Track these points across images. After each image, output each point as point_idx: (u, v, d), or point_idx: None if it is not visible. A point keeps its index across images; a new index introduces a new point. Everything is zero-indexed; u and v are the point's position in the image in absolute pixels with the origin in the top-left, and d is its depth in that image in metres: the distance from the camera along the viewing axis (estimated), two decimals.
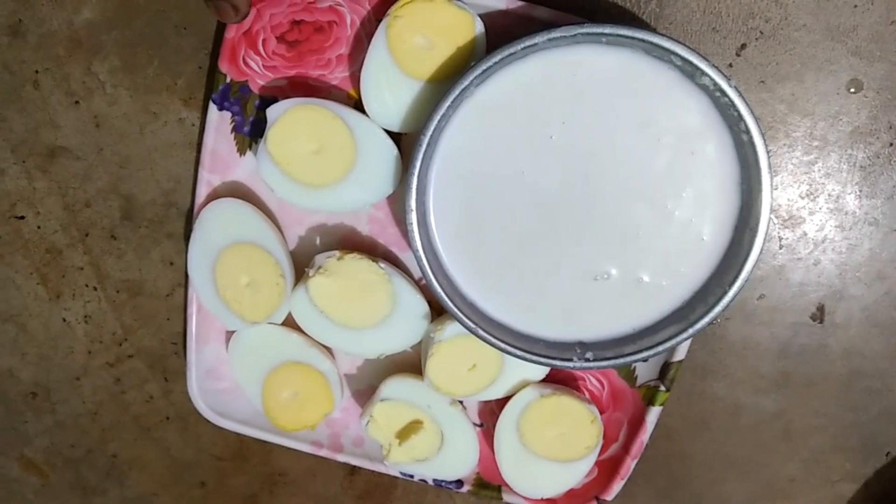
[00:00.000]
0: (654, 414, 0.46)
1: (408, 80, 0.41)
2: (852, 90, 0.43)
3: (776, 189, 0.45)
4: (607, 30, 0.36)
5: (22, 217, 0.49)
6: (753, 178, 0.38)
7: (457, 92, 0.38)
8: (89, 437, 0.53)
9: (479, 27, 0.40)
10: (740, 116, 0.37)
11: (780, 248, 0.45)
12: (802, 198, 0.45)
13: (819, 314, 0.46)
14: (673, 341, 0.40)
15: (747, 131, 0.37)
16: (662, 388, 0.45)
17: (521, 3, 0.40)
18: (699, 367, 0.48)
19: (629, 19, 0.42)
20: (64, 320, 0.51)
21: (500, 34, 0.40)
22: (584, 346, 0.42)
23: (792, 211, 0.45)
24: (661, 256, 0.41)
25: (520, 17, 0.40)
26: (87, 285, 0.50)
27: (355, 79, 0.43)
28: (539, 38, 0.37)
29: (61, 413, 0.53)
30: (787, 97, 0.43)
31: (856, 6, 0.42)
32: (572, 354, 0.42)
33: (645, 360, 0.41)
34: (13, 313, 0.51)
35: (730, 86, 0.37)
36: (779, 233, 0.45)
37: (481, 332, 0.41)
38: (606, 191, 0.40)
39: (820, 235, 0.45)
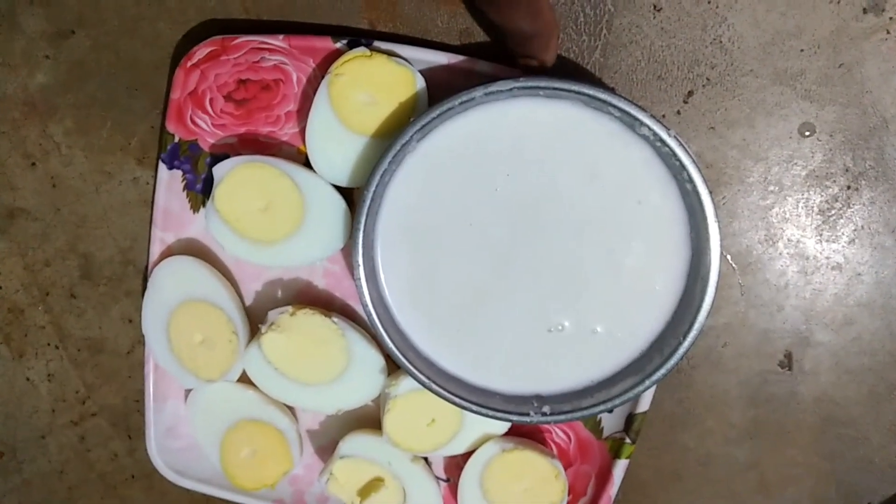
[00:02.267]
0: (620, 467, 0.45)
1: (352, 135, 0.41)
2: (805, 134, 0.42)
3: (734, 235, 0.44)
4: (543, 83, 0.36)
5: None
6: (701, 226, 0.37)
7: (398, 147, 0.38)
8: (57, 497, 0.53)
9: (419, 82, 0.40)
10: (683, 166, 0.37)
11: (742, 295, 0.45)
12: (761, 243, 0.44)
13: (787, 361, 0.45)
14: (630, 393, 0.39)
15: (691, 180, 0.37)
16: (628, 440, 0.44)
17: (462, 58, 0.40)
18: (668, 417, 0.47)
19: (573, 70, 0.42)
20: (28, 379, 0.51)
21: (443, 88, 0.40)
22: (541, 399, 0.41)
23: (751, 257, 0.44)
24: (614, 307, 0.40)
25: (462, 71, 0.40)
26: (49, 344, 0.50)
27: (305, 135, 0.43)
28: (477, 93, 0.37)
29: (28, 472, 0.52)
30: (739, 142, 0.43)
31: (802, 50, 0.41)
32: (529, 409, 0.41)
33: (602, 412, 0.40)
34: None
35: (669, 135, 0.36)
36: (739, 279, 0.44)
37: (435, 387, 0.40)
38: (555, 241, 0.40)
39: (782, 281, 0.44)
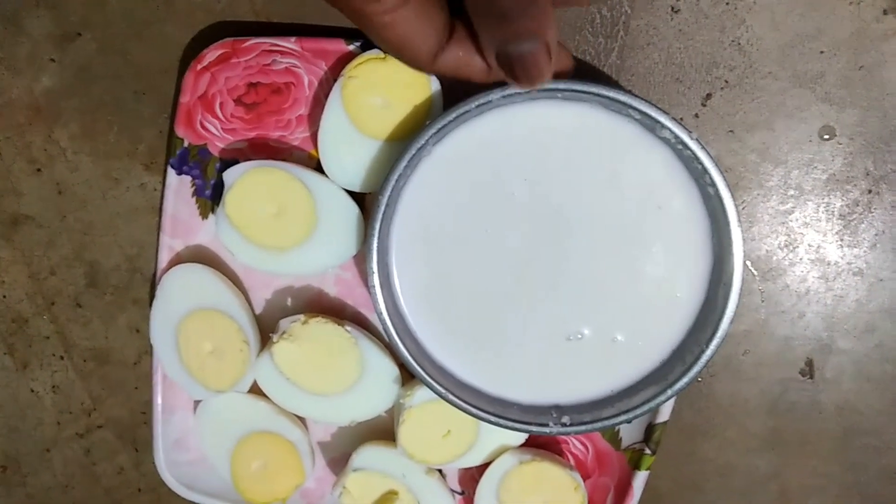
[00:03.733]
0: (640, 479, 0.44)
1: (365, 139, 0.40)
2: (825, 137, 0.42)
3: (753, 240, 0.43)
4: (562, 85, 0.36)
5: None
6: (723, 232, 0.37)
7: (413, 151, 0.37)
8: None
9: (434, 85, 0.39)
10: (705, 170, 0.36)
11: (762, 302, 0.44)
12: (781, 249, 0.43)
13: (808, 369, 0.44)
14: (651, 403, 0.38)
15: (713, 184, 0.36)
16: (648, 451, 0.43)
17: None
18: (687, 427, 0.46)
19: (590, 72, 0.41)
20: (32, 391, 0.50)
21: (458, 91, 0.39)
22: (560, 409, 0.40)
23: (771, 263, 0.43)
24: (634, 314, 0.39)
25: None
26: (53, 354, 0.49)
27: (316, 139, 0.42)
28: (494, 96, 0.36)
29: (32, 486, 0.51)
30: (758, 146, 0.42)
31: (822, 52, 0.41)
32: (548, 419, 0.40)
33: (623, 423, 0.39)
34: None
35: (691, 138, 0.36)
36: (759, 285, 0.44)
37: (451, 397, 0.39)
38: (574, 248, 0.39)
39: (803, 287, 0.43)
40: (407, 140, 0.38)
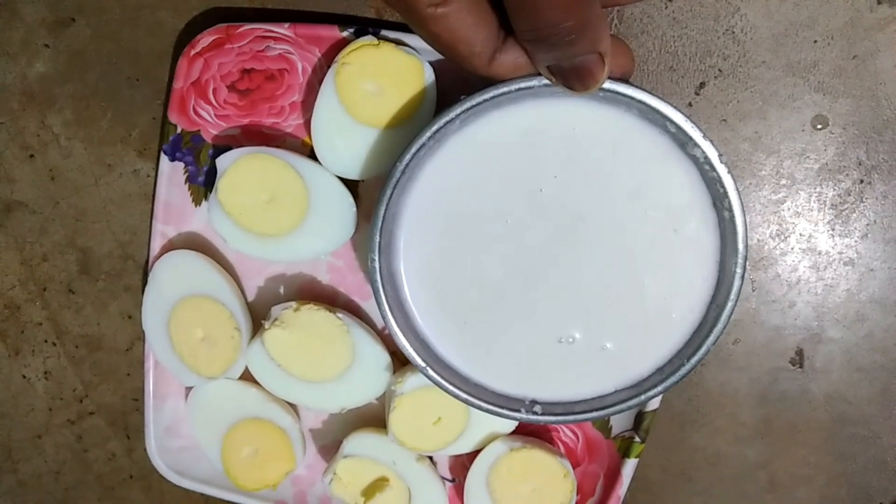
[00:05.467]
0: (629, 467, 0.44)
1: (359, 126, 0.40)
2: (818, 126, 0.42)
3: None
4: (606, 85, 0.33)
5: None
6: (730, 257, 0.36)
7: (441, 123, 0.35)
8: (53, 498, 0.52)
9: (429, 73, 0.39)
10: (726, 194, 0.35)
11: (753, 291, 0.44)
12: (773, 238, 0.43)
13: (798, 358, 0.45)
14: (624, 405, 0.38)
15: (730, 209, 0.35)
16: (637, 439, 0.43)
17: None
18: (677, 416, 0.46)
19: None
20: (24, 377, 0.50)
21: (452, 78, 0.39)
22: (534, 401, 0.40)
23: (762, 252, 0.43)
24: (628, 328, 0.38)
25: None
26: (46, 341, 0.49)
27: (309, 126, 0.42)
28: (535, 82, 0.34)
29: (23, 473, 0.51)
30: (751, 135, 0.42)
31: (816, 41, 0.41)
32: (521, 406, 0.40)
33: (595, 419, 0.39)
34: None
35: (721, 161, 0.35)
36: (750, 274, 0.44)
37: (430, 372, 0.39)
38: (586, 255, 0.38)
39: (794, 276, 0.44)
40: (402, 127, 0.37)
